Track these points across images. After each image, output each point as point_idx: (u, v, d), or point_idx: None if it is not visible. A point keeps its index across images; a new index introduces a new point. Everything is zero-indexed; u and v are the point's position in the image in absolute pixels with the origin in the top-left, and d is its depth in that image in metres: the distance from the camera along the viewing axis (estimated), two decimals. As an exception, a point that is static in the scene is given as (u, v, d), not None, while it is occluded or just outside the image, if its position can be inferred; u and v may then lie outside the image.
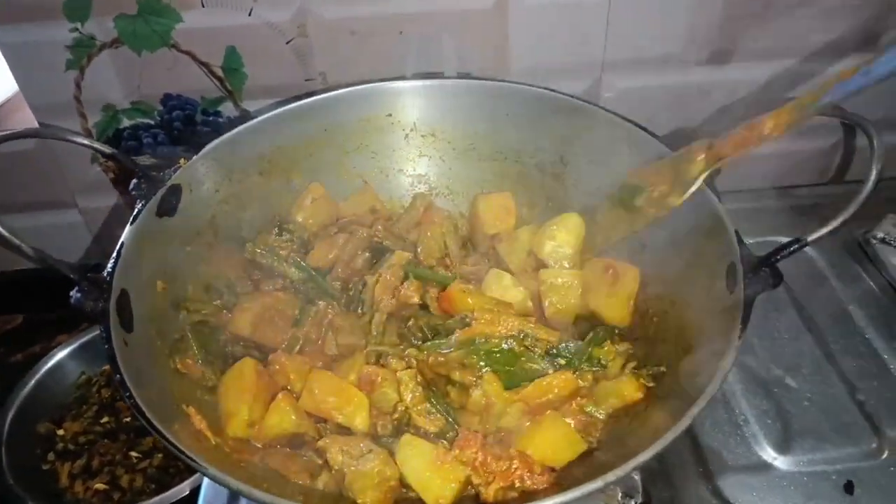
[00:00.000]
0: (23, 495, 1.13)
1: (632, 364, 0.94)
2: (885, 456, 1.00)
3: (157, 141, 1.33)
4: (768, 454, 1.01)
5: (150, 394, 0.76)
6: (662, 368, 0.90)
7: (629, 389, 0.90)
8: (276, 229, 1.10)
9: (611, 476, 0.68)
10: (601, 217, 1.07)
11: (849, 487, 0.97)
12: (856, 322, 1.18)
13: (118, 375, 0.74)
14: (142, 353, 0.82)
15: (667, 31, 1.27)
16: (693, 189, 0.92)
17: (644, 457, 0.68)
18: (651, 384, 0.90)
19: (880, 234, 1.28)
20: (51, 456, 1.22)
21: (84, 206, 1.39)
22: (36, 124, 1.28)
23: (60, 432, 1.25)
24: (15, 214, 1.40)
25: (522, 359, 0.93)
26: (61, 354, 1.31)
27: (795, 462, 1.00)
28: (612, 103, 1.32)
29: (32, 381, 1.28)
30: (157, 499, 1.11)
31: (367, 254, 1.10)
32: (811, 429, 1.03)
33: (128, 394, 0.72)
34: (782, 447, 1.02)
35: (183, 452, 0.68)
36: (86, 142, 0.88)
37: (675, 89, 1.35)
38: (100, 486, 1.19)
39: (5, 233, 0.75)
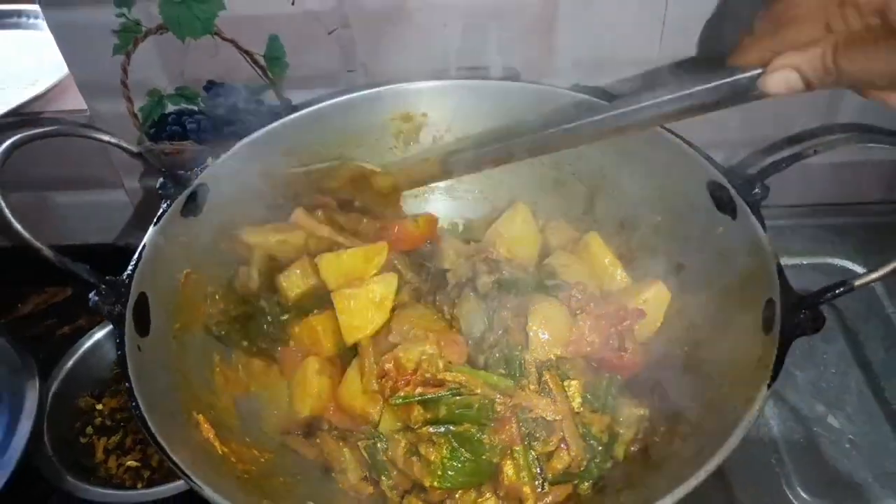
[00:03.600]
0: (60, 468, 1.17)
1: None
2: (929, 513, 0.94)
3: (200, 127, 1.33)
4: (800, 497, 0.96)
5: (159, 399, 0.77)
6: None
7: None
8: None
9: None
10: None
11: (885, 543, 0.91)
12: (915, 359, 1.10)
13: (127, 384, 0.74)
14: (156, 358, 0.82)
15: (725, 29, 1.19)
16: None
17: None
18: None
19: (953, 263, 1.18)
20: (89, 430, 1.26)
21: (130, 186, 1.42)
22: (85, 106, 1.31)
23: (99, 407, 1.29)
24: (63, 192, 1.45)
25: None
26: (104, 331, 1.34)
27: (830, 510, 0.95)
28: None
29: (76, 356, 1.31)
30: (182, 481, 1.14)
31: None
32: (851, 475, 0.97)
33: (134, 403, 0.73)
34: (817, 492, 0.96)
35: (181, 470, 0.69)
36: (112, 140, 0.88)
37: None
38: (132, 462, 1.22)
39: (26, 234, 0.76)
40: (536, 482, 0.85)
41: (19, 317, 1.46)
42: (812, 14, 0.70)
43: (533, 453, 0.86)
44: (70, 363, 1.30)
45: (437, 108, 1.13)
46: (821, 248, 1.20)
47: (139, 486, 1.19)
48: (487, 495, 0.87)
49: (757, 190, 0.91)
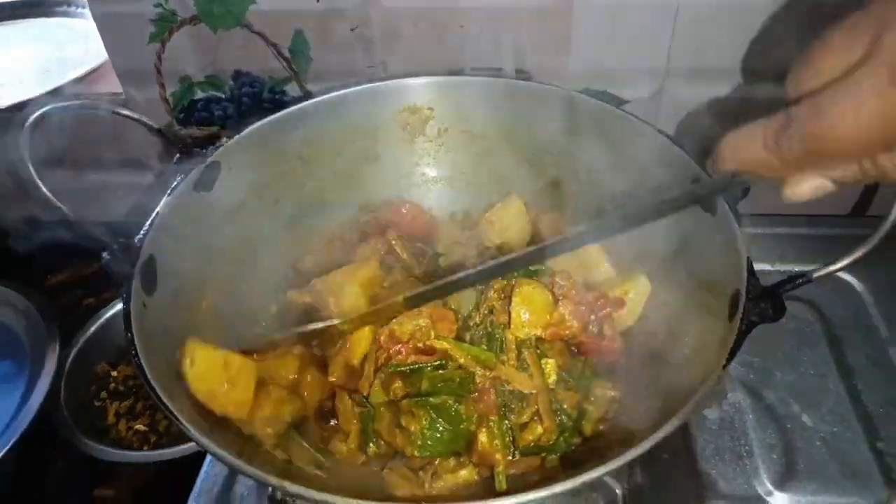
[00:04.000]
0: (74, 428, 1.24)
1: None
2: (893, 509, 0.95)
3: (226, 114, 1.42)
4: (766, 489, 0.98)
5: (160, 359, 0.83)
6: None
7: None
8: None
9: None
10: None
11: (846, 537, 0.93)
12: (894, 366, 1.11)
13: (129, 333, 0.81)
14: (159, 318, 0.88)
15: (734, 42, 1.23)
16: None
17: (591, 475, 0.68)
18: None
19: (937, 274, 1.20)
20: (103, 394, 1.34)
21: (156, 168, 1.50)
22: (121, 90, 1.40)
23: (114, 374, 1.37)
24: (100, 171, 1.53)
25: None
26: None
27: (794, 502, 0.97)
28: (673, 113, 1.31)
29: (96, 325, 1.39)
30: (186, 445, 1.20)
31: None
32: (818, 470, 0.99)
33: (134, 351, 0.79)
34: (783, 484, 0.98)
35: (176, 417, 0.74)
36: (133, 115, 0.96)
37: (740, 104, 1.30)
38: (140, 427, 1.29)
39: (48, 194, 0.83)
40: (508, 451, 0.89)
41: (50, 285, 1.54)
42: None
43: (507, 423, 0.90)
44: (90, 331, 1.38)
45: (443, 102, 1.18)
46: (786, 255, 1.24)
47: (145, 448, 1.26)
48: (465, 462, 0.91)
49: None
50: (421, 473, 0.90)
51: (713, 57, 1.25)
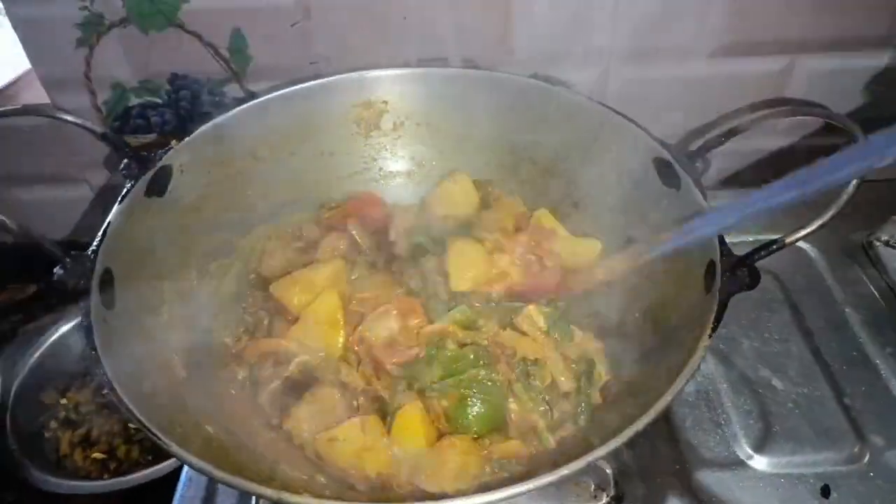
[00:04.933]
0: (24, 460, 1.17)
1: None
2: (865, 461, 0.99)
3: (164, 120, 1.35)
4: (746, 454, 1.00)
5: (125, 369, 0.78)
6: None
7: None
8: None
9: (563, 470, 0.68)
10: None
11: (825, 491, 0.96)
12: (851, 326, 1.15)
13: (94, 351, 0.76)
14: (122, 333, 0.83)
15: (676, 22, 1.25)
16: None
17: (594, 455, 0.68)
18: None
19: (884, 237, 1.25)
20: (53, 424, 1.27)
21: (93, 181, 1.43)
22: (48, 100, 1.32)
23: (64, 401, 1.30)
24: (25, 187, 1.45)
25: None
26: (68, 326, 1.35)
27: (774, 463, 0.99)
28: (619, 94, 1.33)
29: (40, 351, 1.32)
30: (150, 470, 1.15)
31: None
32: (792, 431, 1.02)
33: (101, 369, 0.75)
34: (761, 447, 1.01)
35: (150, 430, 0.70)
36: (76, 120, 0.90)
37: (685, 82, 1.33)
38: (98, 455, 1.23)
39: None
40: (542, 408, 0.91)
41: (-19, 312, 1.45)
42: None
43: (535, 384, 0.92)
44: (33, 359, 1.31)
45: (396, 95, 1.16)
46: (752, 226, 1.25)
47: (106, 476, 1.20)
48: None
49: (699, 164, 0.96)
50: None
51: (657, 37, 1.27)
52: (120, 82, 1.29)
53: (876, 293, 1.20)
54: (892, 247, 1.23)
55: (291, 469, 0.84)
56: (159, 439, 0.70)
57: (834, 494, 0.95)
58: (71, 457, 1.23)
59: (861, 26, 1.27)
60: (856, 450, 1.00)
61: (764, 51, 1.30)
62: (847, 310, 1.18)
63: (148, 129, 1.36)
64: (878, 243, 1.25)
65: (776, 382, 1.07)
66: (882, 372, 1.09)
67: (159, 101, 1.33)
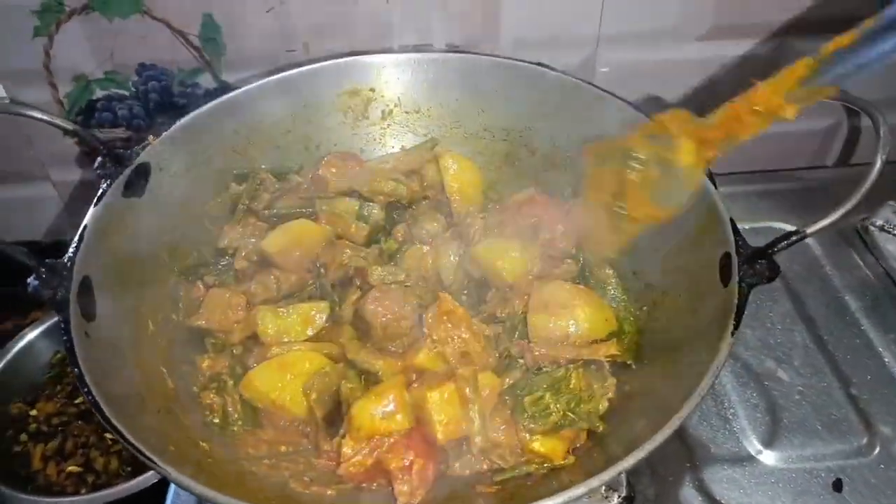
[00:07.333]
0: (-7, 479, 1.10)
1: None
2: (876, 452, 0.98)
3: (132, 113, 1.28)
4: (756, 449, 0.99)
5: (112, 386, 0.73)
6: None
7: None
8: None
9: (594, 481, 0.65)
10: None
11: (837, 485, 0.95)
12: (851, 312, 1.15)
13: (77, 370, 0.70)
14: (105, 344, 0.78)
15: (664, 5, 1.23)
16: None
17: (624, 465, 0.65)
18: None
19: (879, 222, 1.24)
20: (23, 437, 1.20)
21: (57, 178, 1.35)
22: (4, 94, 1.24)
23: (33, 413, 1.23)
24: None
25: None
26: (35, 332, 1.27)
27: (784, 458, 0.98)
28: (608, 78, 1.30)
29: (5, 360, 1.24)
30: (132, 482, 1.09)
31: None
32: (801, 423, 1.01)
33: (86, 389, 0.69)
34: (771, 442, 0.99)
35: (141, 452, 0.65)
36: (43, 117, 0.83)
37: (673, 65, 1.31)
38: (73, 468, 1.17)
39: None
40: None
41: (-60, 323, 1.36)
42: None
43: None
44: (-2, 369, 1.23)
45: (384, 82, 1.11)
46: (756, 213, 1.25)
47: (83, 491, 1.14)
48: None
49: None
50: None
51: (645, 20, 1.24)
52: (83, 74, 1.22)
53: (874, 278, 1.20)
54: (888, 231, 1.23)
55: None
56: (157, 466, 0.65)
57: (846, 488, 0.94)
58: (44, 471, 1.16)
59: (851, 7, 1.26)
60: (865, 441, 0.99)
61: (754, 33, 1.29)
62: (847, 296, 1.17)
63: (115, 123, 1.28)
64: (873, 228, 1.24)
65: (782, 374, 1.06)
66: (886, 359, 1.08)
67: (126, 93, 1.25)
